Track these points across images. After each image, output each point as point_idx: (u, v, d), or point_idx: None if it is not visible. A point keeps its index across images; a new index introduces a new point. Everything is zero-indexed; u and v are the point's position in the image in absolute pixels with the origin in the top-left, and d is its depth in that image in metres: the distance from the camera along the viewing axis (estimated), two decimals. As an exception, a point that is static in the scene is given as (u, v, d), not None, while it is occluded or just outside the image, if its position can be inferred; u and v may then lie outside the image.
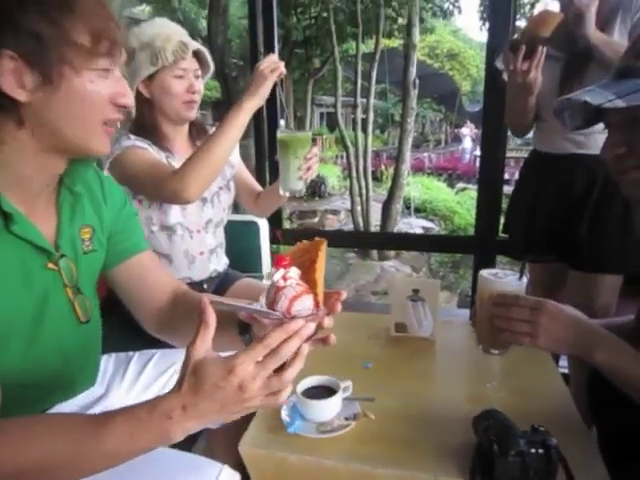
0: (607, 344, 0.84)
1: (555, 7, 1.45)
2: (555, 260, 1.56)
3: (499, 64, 1.55)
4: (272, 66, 1.22)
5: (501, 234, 1.88)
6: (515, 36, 1.33)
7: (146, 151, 1.31)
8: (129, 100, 0.74)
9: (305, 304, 0.64)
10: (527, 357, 1.26)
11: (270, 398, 0.62)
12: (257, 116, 2.29)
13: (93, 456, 0.61)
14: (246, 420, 0.93)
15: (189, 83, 1.37)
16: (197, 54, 1.39)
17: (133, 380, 1.05)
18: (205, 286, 1.50)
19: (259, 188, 1.62)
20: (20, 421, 0.62)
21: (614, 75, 0.84)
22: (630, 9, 1.35)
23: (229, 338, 0.78)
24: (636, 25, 1.34)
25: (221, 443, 1.13)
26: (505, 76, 1.58)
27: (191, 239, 1.44)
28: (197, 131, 1.51)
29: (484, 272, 0.99)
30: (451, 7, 7.41)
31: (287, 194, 1.35)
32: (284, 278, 0.64)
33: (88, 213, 0.87)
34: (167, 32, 1.34)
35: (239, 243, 1.75)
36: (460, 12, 7.74)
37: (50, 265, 0.78)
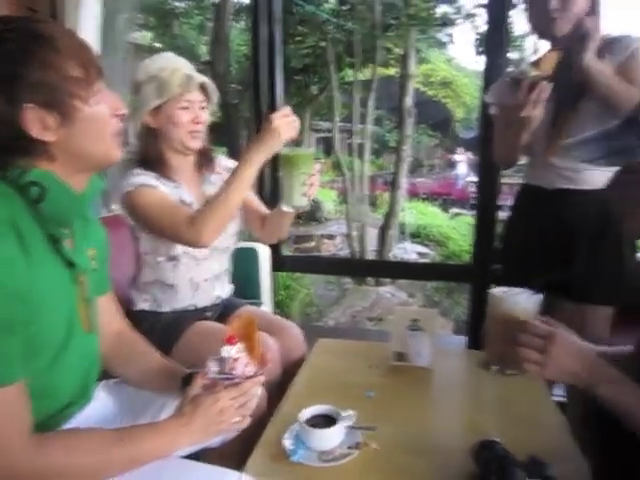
0: (613, 380, 0.84)
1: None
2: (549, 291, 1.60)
3: (488, 99, 1.64)
4: (287, 127, 1.23)
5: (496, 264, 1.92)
6: (512, 71, 1.38)
7: (157, 191, 1.34)
8: (125, 108, 0.86)
9: (251, 367, 0.94)
10: (523, 386, 1.29)
11: (235, 424, 0.92)
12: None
13: (120, 458, 0.80)
14: (237, 444, 1.03)
15: (194, 114, 1.40)
16: (202, 86, 1.43)
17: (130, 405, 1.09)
18: (208, 314, 1.52)
19: (265, 211, 1.61)
20: (67, 431, 0.86)
21: (621, 122, 0.82)
22: (616, 51, 1.42)
23: (170, 388, 1.03)
24: (620, 65, 1.41)
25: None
26: (492, 110, 1.65)
27: (197, 266, 1.47)
28: (205, 160, 1.54)
29: (494, 291, 0.99)
30: (446, 38, 7.64)
31: (291, 209, 1.37)
32: (237, 351, 0.92)
33: (92, 236, 0.96)
34: (174, 65, 1.39)
35: (239, 270, 1.78)
36: (454, 44, 7.98)
37: (79, 279, 0.87)
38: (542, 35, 1.49)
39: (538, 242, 1.57)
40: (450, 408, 1.23)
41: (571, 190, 1.50)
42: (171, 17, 10.30)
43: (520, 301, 0.96)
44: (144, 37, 11.52)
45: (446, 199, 13.43)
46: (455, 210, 12.06)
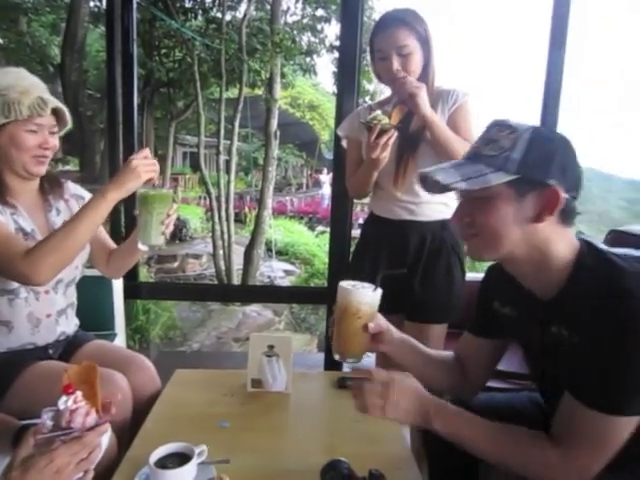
0: (443, 413, 0.97)
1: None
2: (394, 312, 1.76)
3: (340, 132, 1.82)
4: (147, 168, 1.24)
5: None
6: (368, 120, 1.53)
7: None
8: None
9: (93, 417, 0.87)
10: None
11: None
12: (111, 167, 2.24)
13: None
14: None
15: (42, 139, 1.30)
16: (55, 110, 1.33)
17: None
18: (51, 351, 1.40)
19: (113, 245, 1.56)
20: None
21: (466, 157, 0.98)
22: (448, 102, 1.65)
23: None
24: (451, 115, 1.64)
25: None
26: (344, 143, 1.83)
27: (37, 301, 1.35)
28: (50, 184, 1.43)
29: (343, 283, 1.10)
30: (310, 67, 8.02)
31: (146, 248, 1.35)
32: (75, 402, 0.85)
33: None
34: (25, 85, 1.27)
35: (90, 300, 1.67)
36: (316, 75, 8.44)
37: None
38: (385, 83, 1.68)
39: (384, 266, 1.73)
40: (304, 431, 1.27)
41: (412, 221, 1.69)
42: (18, 12, 9.28)
43: (366, 293, 1.08)
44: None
45: (312, 217, 13.91)
46: (320, 228, 12.53)
